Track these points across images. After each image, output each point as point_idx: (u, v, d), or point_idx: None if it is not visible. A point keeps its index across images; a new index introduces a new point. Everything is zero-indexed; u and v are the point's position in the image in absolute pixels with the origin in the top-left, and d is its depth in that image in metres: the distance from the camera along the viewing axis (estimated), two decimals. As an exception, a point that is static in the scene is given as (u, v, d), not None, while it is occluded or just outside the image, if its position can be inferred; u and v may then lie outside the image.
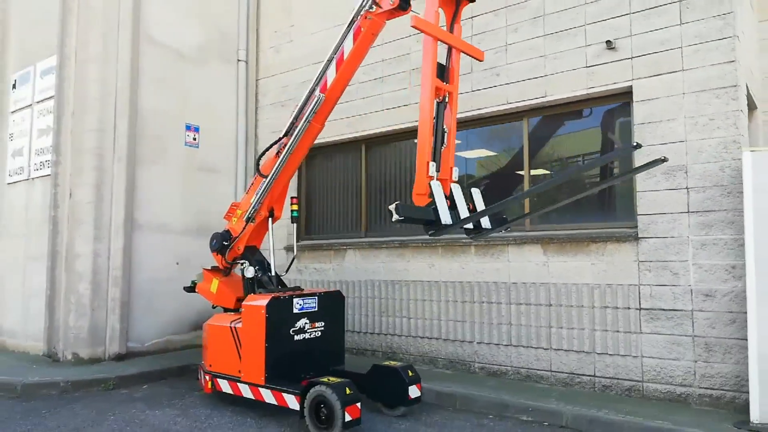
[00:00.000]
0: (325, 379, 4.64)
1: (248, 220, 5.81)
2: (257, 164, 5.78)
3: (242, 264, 5.87)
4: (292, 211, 6.12)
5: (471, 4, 4.92)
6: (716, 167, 5.11)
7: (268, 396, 5.00)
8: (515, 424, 4.99)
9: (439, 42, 4.49)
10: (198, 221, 8.10)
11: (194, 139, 8.12)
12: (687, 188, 5.24)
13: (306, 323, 5.39)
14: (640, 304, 5.41)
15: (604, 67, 5.75)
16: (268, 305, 5.08)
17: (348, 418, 4.43)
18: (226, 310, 6.02)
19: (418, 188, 4.24)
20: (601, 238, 5.65)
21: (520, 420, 5.09)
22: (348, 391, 4.52)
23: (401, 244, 7.08)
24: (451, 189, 4.41)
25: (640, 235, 5.44)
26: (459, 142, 6.57)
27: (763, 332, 4.44)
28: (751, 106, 6.18)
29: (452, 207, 4.29)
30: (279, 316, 5.16)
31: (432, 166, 4.24)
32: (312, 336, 5.44)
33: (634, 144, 3.56)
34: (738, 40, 5.14)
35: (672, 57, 5.38)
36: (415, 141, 7.34)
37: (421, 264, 6.91)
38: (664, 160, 3.71)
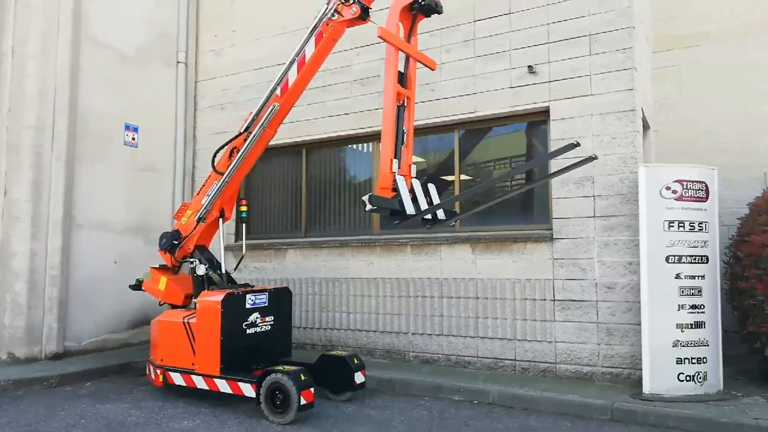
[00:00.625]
0: (281, 368, 5.05)
1: (199, 220, 6.06)
2: (213, 163, 6.00)
3: (192, 262, 6.12)
4: (241, 212, 6.43)
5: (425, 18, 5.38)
6: (617, 179, 6.01)
7: (223, 386, 5.32)
8: (449, 404, 5.61)
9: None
10: (138, 220, 8.17)
11: (133, 139, 8.18)
12: (594, 196, 6.10)
13: (257, 317, 5.74)
14: (554, 296, 6.22)
15: (527, 89, 6.53)
16: (223, 301, 5.40)
17: (303, 401, 4.86)
18: (173, 306, 6.25)
19: (382, 182, 4.73)
20: (521, 239, 6.42)
21: (452, 400, 5.73)
22: (302, 377, 4.95)
23: (342, 243, 7.55)
24: (412, 183, 4.91)
25: (554, 236, 6.25)
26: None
27: (653, 319, 5.33)
28: (645, 127, 7.20)
29: (413, 200, 4.79)
30: (233, 311, 5.49)
31: (395, 163, 4.75)
32: (262, 329, 5.80)
33: (575, 142, 4.21)
34: (636, 71, 6.07)
35: (583, 83, 6.24)
36: (354, 147, 7.94)
37: (360, 262, 7.42)
38: (594, 158, 4.40)
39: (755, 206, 5.70)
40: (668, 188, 5.41)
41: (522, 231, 6.51)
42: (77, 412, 5.35)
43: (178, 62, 8.88)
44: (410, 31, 5.25)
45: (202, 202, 6.08)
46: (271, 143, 8.00)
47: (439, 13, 5.33)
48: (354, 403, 5.60)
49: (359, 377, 5.60)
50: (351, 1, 5.24)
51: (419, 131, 7.28)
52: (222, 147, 6.03)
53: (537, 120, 6.62)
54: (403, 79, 5.08)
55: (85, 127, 7.54)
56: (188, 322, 5.63)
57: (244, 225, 6.48)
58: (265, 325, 5.83)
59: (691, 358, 5.32)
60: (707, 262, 5.45)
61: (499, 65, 6.71)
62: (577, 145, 4.22)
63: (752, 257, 5.38)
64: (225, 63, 8.89)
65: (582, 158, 4.48)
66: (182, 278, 6.42)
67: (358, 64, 7.66)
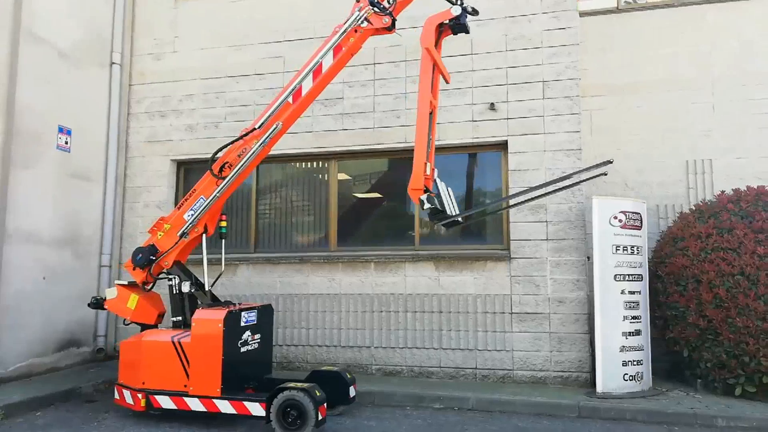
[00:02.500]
0: (293, 384, 5.10)
1: (182, 235, 5.84)
2: (213, 170, 5.76)
3: (171, 279, 5.87)
4: (221, 227, 6.27)
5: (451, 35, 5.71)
6: (566, 207, 6.95)
7: (225, 407, 5.21)
8: (433, 412, 6.04)
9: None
10: (67, 231, 7.47)
11: (66, 142, 7.48)
12: (546, 221, 6.98)
13: (249, 335, 5.69)
14: (511, 309, 6.97)
15: (487, 123, 7.27)
16: (225, 319, 5.30)
17: (319, 417, 4.98)
18: (144, 326, 5.92)
19: (415, 184, 5.06)
20: (483, 258, 7.10)
21: (434, 408, 6.16)
22: (318, 393, 5.06)
23: (301, 259, 7.64)
24: (437, 184, 5.24)
25: (512, 256, 7.02)
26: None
27: (605, 328, 6.27)
28: (573, 162, 8.33)
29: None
30: (232, 329, 5.41)
31: (428, 166, 5.11)
32: (252, 348, 5.75)
33: (610, 160, 4.94)
34: (580, 116, 7.10)
35: (537, 122, 7.13)
36: (311, 165, 8.08)
37: (320, 278, 7.57)
38: (611, 162, 5.10)
39: (671, 233, 6.96)
40: (615, 217, 6.45)
41: (483, 250, 7.19)
42: (54, 444, 4.88)
43: (113, 63, 8.30)
44: (435, 45, 5.55)
45: (185, 216, 5.86)
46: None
47: (467, 33, 5.67)
48: (347, 416, 5.79)
49: (352, 391, 5.80)
50: (383, 12, 5.50)
51: (384, 153, 7.71)
52: (221, 149, 5.83)
53: (494, 152, 7.39)
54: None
55: (20, 128, 6.78)
56: (179, 342, 5.41)
57: (223, 241, 6.33)
58: (255, 343, 5.80)
59: (633, 361, 6.36)
60: (641, 280, 6.56)
61: (462, 100, 7.38)
62: (611, 162, 4.99)
63: (673, 276, 6.59)
64: (165, 68, 8.50)
65: (601, 162, 5.15)
66: (153, 296, 6.11)
67: (257, 90, 7.89)
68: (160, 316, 6.02)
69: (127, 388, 5.59)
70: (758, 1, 8.47)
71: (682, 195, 8.36)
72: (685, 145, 8.50)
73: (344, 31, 5.58)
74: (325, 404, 5.08)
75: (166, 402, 5.37)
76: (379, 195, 7.87)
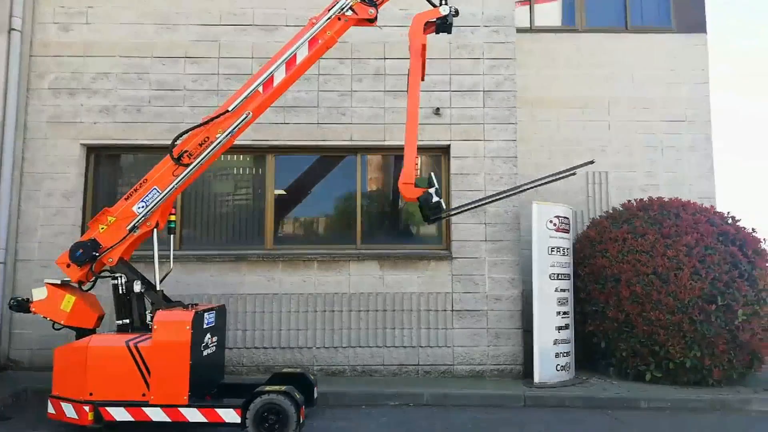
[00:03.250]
0: (270, 388, 4.89)
1: (132, 229, 5.28)
2: (175, 158, 5.24)
3: (116, 277, 5.27)
4: (170, 221, 5.73)
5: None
6: (503, 210, 7.42)
7: (193, 415, 4.81)
8: (391, 408, 6.11)
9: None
10: (-42, 223, 6.34)
11: (-43, 117, 6.36)
12: (485, 223, 7.39)
13: (209, 338, 5.32)
14: (452, 306, 7.27)
15: (432, 127, 7.50)
16: (193, 320, 4.90)
17: (300, 420, 4.82)
18: (81, 332, 5.25)
19: (406, 178, 5.09)
20: (427, 257, 7.31)
21: (390, 405, 6.23)
22: (297, 395, 4.89)
23: (236, 257, 7.25)
24: (433, 178, 5.25)
25: (453, 256, 7.32)
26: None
27: (541, 323, 6.80)
28: (495, 168, 8.87)
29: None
30: (198, 331, 5.02)
31: (419, 160, 5.13)
32: (211, 351, 5.38)
33: (591, 161, 5.42)
34: (517, 125, 7.61)
35: (477, 129, 7.52)
36: (241, 158, 7.68)
37: (258, 278, 7.25)
38: (592, 162, 5.48)
39: (588, 237, 7.72)
40: (551, 221, 7.03)
41: (427, 250, 7.41)
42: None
43: (12, 29, 7.20)
44: None
45: (135, 209, 5.30)
46: (145, 141, 7.32)
47: (449, 33, 5.75)
48: (313, 418, 5.63)
49: (315, 392, 5.66)
50: (369, 3, 5.42)
51: (325, 150, 7.59)
52: (182, 135, 5.33)
53: (438, 154, 7.64)
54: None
55: None
56: (137, 346, 4.89)
57: (172, 236, 5.80)
58: (213, 346, 5.43)
59: (563, 353, 6.98)
60: (569, 279, 7.22)
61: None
62: (593, 162, 5.56)
63: (593, 275, 7.33)
64: (75, 41, 7.55)
65: (584, 163, 5.59)
66: (90, 297, 5.44)
67: (189, 75, 7.51)
68: (100, 319, 5.38)
69: (67, 400, 4.92)
70: (643, 36, 9.70)
71: (583, 203, 9.31)
72: (586, 158, 9.46)
73: (328, 18, 5.43)
74: (303, 406, 4.93)
75: (120, 414, 4.82)
76: (323, 192, 7.73)
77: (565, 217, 7.22)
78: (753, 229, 7.25)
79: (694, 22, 9.83)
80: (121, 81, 7.50)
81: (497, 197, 5.72)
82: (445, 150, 7.56)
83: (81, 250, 5.18)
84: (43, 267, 7.17)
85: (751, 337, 6.72)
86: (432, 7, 5.65)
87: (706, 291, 6.66)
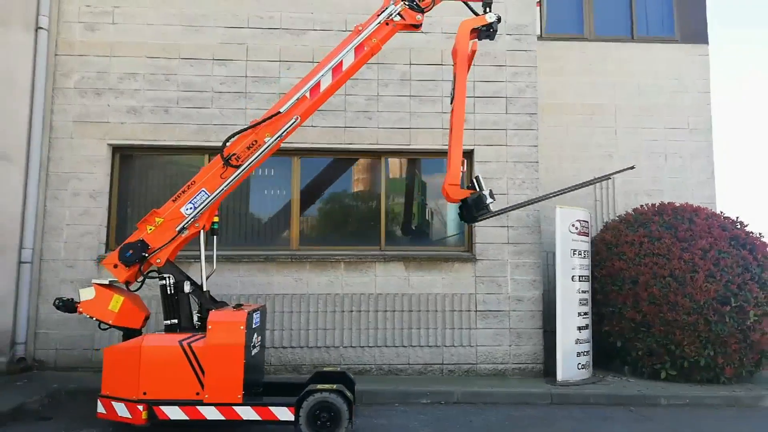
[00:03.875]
0: (322, 386, 5.01)
1: (182, 230, 5.34)
2: (225, 158, 5.31)
3: (165, 278, 5.33)
4: (213, 222, 5.81)
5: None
6: (524, 214, 7.64)
7: (248, 413, 4.90)
8: (424, 406, 6.27)
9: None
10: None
11: (-10, 115, 6.33)
12: (507, 227, 7.60)
13: (256, 338, 5.41)
14: (476, 307, 7.47)
15: (456, 131, 7.67)
16: (247, 320, 5.00)
17: (351, 417, 4.96)
18: (127, 332, 5.30)
19: (453, 179, 5.28)
20: (450, 259, 7.49)
21: (422, 403, 6.40)
22: (348, 394, 5.03)
23: (266, 258, 7.33)
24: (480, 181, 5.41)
25: (477, 258, 7.52)
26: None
27: (564, 323, 7.04)
28: (510, 172, 9.12)
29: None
30: (250, 330, 5.11)
31: (464, 162, 5.31)
32: (257, 350, 5.48)
33: (632, 166, 5.65)
34: (538, 131, 7.85)
35: (500, 135, 7.73)
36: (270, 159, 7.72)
37: (286, 278, 7.34)
38: (632, 167, 5.70)
39: (603, 240, 7.99)
40: (573, 225, 7.27)
41: (451, 252, 7.59)
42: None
43: (39, 27, 7.17)
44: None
45: (183, 210, 5.37)
46: (165, 143, 7.37)
47: (492, 39, 5.90)
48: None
49: (354, 391, 5.79)
50: (417, 9, 5.56)
51: (352, 153, 7.72)
52: (232, 136, 5.39)
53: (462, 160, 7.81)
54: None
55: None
56: (190, 346, 4.96)
57: (215, 237, 5.86)
58: (258, 346, 5.52)
59: (583, 352, 7.23)
60: (589, 280, 7.48)
61: (432, 108, 7.71)
62: (633, 167, 6.00)
63: (611, 277, 7.60)
64: (102, 41, 7.54)
65: (624, 168, 5.87)
66: (136, 297, 5.49)
67: (216, 77, 7.61)
68: (146, 319, 5.43)
69: (118, 399, 4.96)
70: (648, 45, 10.05)
71: (591, 207, 9.57)
72: (593, 162, 9.76)
73: (377, 23, 5.54)
74: (354, 405, 5.06)
75: (174, 413, 4.89)
76: (345, 195, 7.86)
77: (585, 221, 7.47)
78: (760, 234, 7.60)
79: (696, 33, 10.21)
80: (148, 82, 7.52)
81: (539, 199, 5.95)
82: (469, 154, 7.74)
83: (131, 251, 5.22)
84: (69, 267, 7.18)
85: (761, 337, 7.05)
86: (474, 15, 5.82)
87: (720, 293, 6.97)
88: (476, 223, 7.43)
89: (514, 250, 7.58)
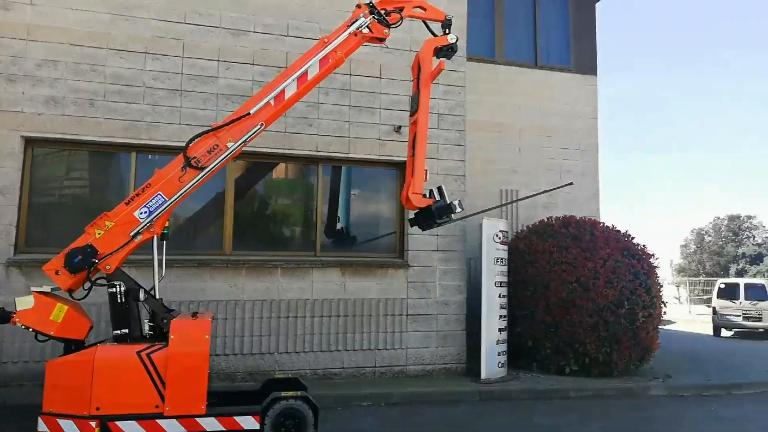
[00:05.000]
0: (286, 393, 5.06)
1: (135, 235, 5.09)
2: (187, 158, 5.09)
3: (115, 286, 5.04)
4: (164, 227, 5.56)
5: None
6: (452, 224, 8.12)
7: (211, 425, 4.79)
8: (365, 409, 6.50)
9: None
10: None
11: None
12: (437, 235, 8.06)
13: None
14: (407, 311, 7.84)
15: (391, 143, 8.01)
16: (210, 328, 4.90)
17: (316, 424, 5.06)
18: (70, 344, 4.95)
19: (417, 189, 5.52)
20: (385, 265, 7.80)
21: (363, 406, 6.62)
22: (312, 401, 5.12)
23: (199, 263, 7.12)
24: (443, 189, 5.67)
25: (409, 264, 7.90)
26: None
27: (488, 325, 7.64)
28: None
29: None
30: (211, 339, 5.02)
31: (427, 172, 5.58)
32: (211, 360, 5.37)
33: (570, 182, 6.09)
34: (463, 147, 8.41)
35: (432, 148, 8.15)
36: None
37: (221, 284, 7.18)
38: (571, 183, 6.27)
39: (517, 249, 8.74)
40: (497, 235, 7.91)
41: (385, 258, 7.89)
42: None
43: (-57, 1, 6.36)
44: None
45: (137, 214, 5.12)
46: (98, 140, 6.92)
47: (449, 59, 6.20)
48: (304, 421, 5.83)
49: (306, 397, 5.88)
50: (384, 23, 5.75)
51: (289, 158, 7.75)
52: (195, 137, 5.18)
53: (391, 169, 8.16)
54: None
55: None
56: (149, 356, 4.76)
57: (164, 242, 5.61)
58: (212, 355, 5.42)
59: (502, 351, 7.89)
60: (506, 286, 8.17)
61: (371, 119, 7.96)
62: (572, 183, 6.36)
63: (524, 283, 8.37)
64: (17, 22, 6.86)
65: (565, 184, 6.45)
66: (78, 306, 5.12)
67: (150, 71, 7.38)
68: (90, 329, 5.09)
69: (65, 417, 4.63)
70: (548, 72, 11.13)
71: (496, 215, 10.40)
72: (500, 176, 10.63)
73: (348, 33, 5.64)
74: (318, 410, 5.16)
75: (131, 428, 4.65)
76: (281, 200, 7.85)
77: (505, 231, 8.16)
78: (644, 246, 8.80)
79: (588, 65, 11.48)
80: (71, 71, 6.97)
81: (495, 207, 6.47)
82: (401, 165, 8.08)
83: (80, 256, 4.88)
84: (-28, 270, 6.45)
85: (646, 335, 8.18)
86: (432, 35, 6.17)
87: (616, 297, 7.98)
88: (407, 231, 7.86)
89: (443, 257, 8.06)
